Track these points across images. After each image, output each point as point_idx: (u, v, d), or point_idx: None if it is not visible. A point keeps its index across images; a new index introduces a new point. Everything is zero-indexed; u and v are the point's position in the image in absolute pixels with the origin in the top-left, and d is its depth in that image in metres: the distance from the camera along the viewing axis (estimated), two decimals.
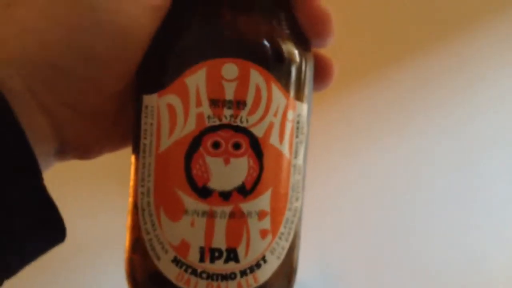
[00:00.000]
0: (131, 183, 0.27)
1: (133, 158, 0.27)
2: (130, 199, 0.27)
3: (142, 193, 0.25)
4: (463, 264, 0.90)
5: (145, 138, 0.25)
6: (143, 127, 0.25)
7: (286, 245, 0.26)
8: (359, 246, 0.91)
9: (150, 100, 0.25)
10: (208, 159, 0.24)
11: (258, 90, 0.24)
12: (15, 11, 0.24)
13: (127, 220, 0.27)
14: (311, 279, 0.92)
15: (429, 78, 0.88)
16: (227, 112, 0.24)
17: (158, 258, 0.25)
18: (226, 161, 0.24)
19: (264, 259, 0.25)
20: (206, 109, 0.24)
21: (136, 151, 0.26)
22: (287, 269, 0.27)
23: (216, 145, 0.24)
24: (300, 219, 0.27)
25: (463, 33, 0.88)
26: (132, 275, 0.26)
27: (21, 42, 0.24)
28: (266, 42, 0.24)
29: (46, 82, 0.25)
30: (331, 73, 0.29)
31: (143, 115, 0.25)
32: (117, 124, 0.29)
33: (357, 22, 0.87)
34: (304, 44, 0.26)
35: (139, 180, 0.26)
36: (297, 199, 0.26)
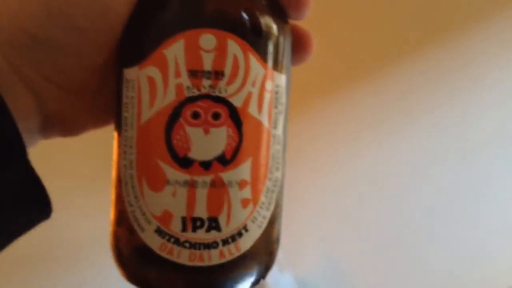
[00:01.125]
0: (114, 157, 0.27)
1: (115, 134, 0.27)
2: (113, 173, 0.27)
3: (125, 166, 0.26)
4: (466, 261, 0.90)
5: (126, 111, 0.26)
6: (124, 100, 0.26)
7: (267, 215, 0.26)
8: (362, 244, 0.91)
9: (130, 73, 0.25)
10: (188, 129, 0.24)
11: (235, 60, 0.24)
12: None
13: (111, 194, 0.27)
14: (314, 276, 0.93)
15: (432, 76, 0.88)
16: (206, 82, 0.24)
17: (142, 229, 0.25)
18: (206, 131, 0.24)
19: (245, 228, 0.26)
20: (185, 80, 0.24)
21: (118, 125, 0.27)
22: (269, 239, 0.27)
23: (195, 115, 0.24)
24: (281, 189, 0.27)
25: (465, 32, 0.88)
26: (117, 248, 0.27)
27: (1, 11, 0.24)
28: (243, 13, 0.25)
29: (26, 55, 0.25)
30: (309, 46, 0.30)
31: (124, 88, 0.26)
32: (100, 99, 0.29)
33: (360, 20, 0.87)
34: (281, 15, 0.27)
35: (122, 153, 0.26)
36: (277, 169, 0.27)
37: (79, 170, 0.77)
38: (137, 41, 0.25)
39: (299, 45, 0.29)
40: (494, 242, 0.90)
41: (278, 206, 0.27)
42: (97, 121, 0.30)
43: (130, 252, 0.26)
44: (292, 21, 0.29)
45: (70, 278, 0.77)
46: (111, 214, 0.27)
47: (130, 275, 0.27)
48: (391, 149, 0.90)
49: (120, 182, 0.26)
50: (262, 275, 0.27)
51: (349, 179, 0.91)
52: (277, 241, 0.28)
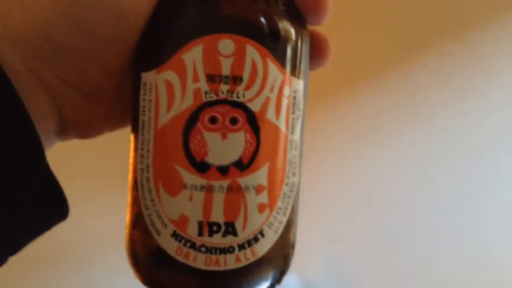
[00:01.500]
0: (131, 160, 0.27)
1: (132, 137, 0.27)
2: (130, 176, 0.27)
3: (141, 169, 0.26)
4: (470, 263, 0.90)
5: (143, 114, 0.26)
6: (141, 104, 0.26)
7: (284, 220, 0.26)
8: (368, 245, 0.91)
9: (148, 77, 0.25)
10: (206, 134, 0.24)
11: (254, 65, 0.24)
12: None
13: (128, 197, 0.27)
14: (320, 278, 0.93)
15: (440, 77, 0.88)
16: (224, 87, 0.24)
17: (158, 233, 0.25)
18: (223, 136, 0.24)
19: (262, 233, 0.26)
20: (203, 85, 0.24)
21: (135, 129, 0.27)
22: (285, 244, 0.27)
23: (213, 120, 0.24)
24: (297, 194, 0.27)
25: (473, 33, 0.87)
26: (133, 251, 0.27)
27: (21, 19, 0.24)
28: (262, 18, 0.25)
29: (46, 59, 0.25)
30: (327, 51, 0.30)
31: (141, 92, 0.26)
32: (117, 102, 0.29)
33: (370, 21, 0.87)
34: (299, 21, 0.27)
35: (138, 156, 0.26)
36: (294, 174, 0.27)
37: (92, 171, 0.77)
38: (156, 45, 0.25)
39: (317, 50, 0.29)
40: (499, 243, 0.89)
41: (294, 211, 0.27)
42: (114, 124, 0.31)
43: (146, 255, 0.26)
44: (309, 26, 0.29)
45: (79, 278, 0.78)
46: (126, 217, 0.27)
47: (145, 279, 0.27)
48: (397, 150, 0.90)
49: (136, 185, 0.26)
50: (277, 280, 0.27)
51: (355, 180, 0.91)
52: (292, 246, 0.28)
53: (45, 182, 0.25)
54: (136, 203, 0.26)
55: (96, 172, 0.76)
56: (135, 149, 0.27)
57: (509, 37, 0.86)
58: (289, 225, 0.27)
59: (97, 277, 0.79)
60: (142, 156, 0.26)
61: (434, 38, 0.88)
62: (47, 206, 0.26)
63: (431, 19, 0.87)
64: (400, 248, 0.91)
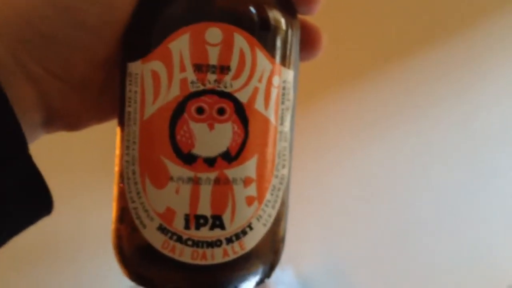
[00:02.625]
0: (117, 152, 0.26)
1: (118, 129, 0.27)
2: (116, 169, 0.26)
3: (127, 162, 0.25)
4: (469, 258, 0.89)
5: (129, 106, 0.25)
6: (127, 95, 0.25)
7: (273, 213, 0.26)
8: (364, 241, 0.90)
9: (134, 67, 0.25)
10: (193, 124, 0.24)
11: (242, 54, 0.24)
12: None
13: (114, 191, 0.27)
14: (315, 273, 0.92)
15: (437, 72, 0.87)
16: (211, 77, 0.24)
17: (144, 226, 0.25)
18: (211, 127, 0.24)
19: (250, 226, 0.25)
20: (190, 74, 0.24)
21: (121, 121, 0.26)
22: (274, 238, 0.26)
23: (200, 110, 0.24)
24: (287, 187, 0.27)
25: (471, 27, 0.87)
26: (119, 246, 0.26)
27: (5, 8, 0.24)
28: (251, 7, 0.24)
29: (31, 49, 0.25)
30: (319, 42, 0.29)
31: (127, 83, 0.25)
32: (104, 94, 0.28)
33: (367, 16, 0.86)
34: (289, 10, 0.26)
35: (124, 148, 0.26)
36: (283, 167, 0.26)
37: (79, 165, 0.77)
38: (142, 34, 0.25)
39: (309, 41, 0.29)
40: (497, 239, 0.89)
41: (284, 204, 0.27)
42: (101, 116, 0.30)
43: (132, 250, 0.26)
44: (301, 17, 0.28)
45: (71, 273, 0.77)
46: (113, 211, 0.27)
47: (131, 273, 0.26)
48: (394, 146, 0.90)
49: (122, 178, 0.26)
50: (267, 275, 0.27)
51: (350, 176, 0.90)
52: (282, 240, 0.27)
53: (28, 175, 0.25)
54: (122, 196, 0.26)
55: (84, 166, 0.75)
56: (121, 141, 0.26)
57: (507, 32, 0.86)
58: (279, 219, 0.26)
59: (88, 272, 0.78)
60: (128, 148, 0.25)
61: (431, 33, 0.87)
62: (30, 199, 0.25)
63: (429, 14, 0.87)
64: (396, 243, 0.90)
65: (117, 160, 0.26)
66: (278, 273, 0.87)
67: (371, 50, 0.87)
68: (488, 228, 0.89)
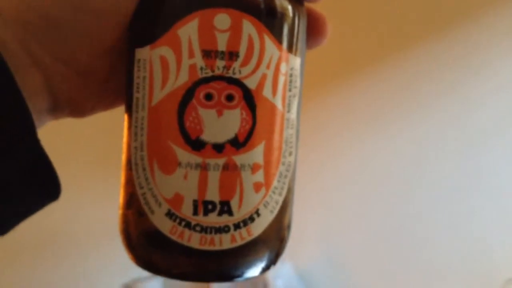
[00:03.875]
0: (124, 139, 0.27)
1: (125, 116, 0.27)
2: (124, 156, 0.27)
3: (135, 148, 0.25)
4: (466, 253, 0.90)
5: (137, 92, 0.25)
6: (135, 81, 0.25)
7: (280, 200, 0.26)
8: (364, 235, 0.91)
9: (142, 53, 0.25)
10: (201, 111, 0.24)
11: (250, 41, 0.24)
12: None
13: (121, 178, 0.27)
14: (314, 267, 0.93)
15: (434, 65, 0.88)
16: (220, 63, 0.24)
17: (152, 212, 0.25)
18: (219, 113, 0.24)
19: (257, 212, 0.25)
20: (198, 60, 0.24)
21: (128, 107, 0.26)
22: (281, 225, 0.27)
23: (208, 96, 0.24)
24: (294, 174, 0.27)
25: (468, 21, 0.87)
26: (126, 232, 0.26)
27: None
28: None
29: (38, 34, 0.25)
30: (324, 29, 0.29)
31: (135, 69, 0.25)
32: (109, 80, 0.28)
33: (363, 7, 0.87)
34: None
35: (132, 135, 0.26)
36: (290, 154, 0.26)
37: (73, 160, 0.76)
38: (150, 20, 0.25)
39: (314, 28, 0.29)
40: (494, 234, 0.89)
41: (290, 192, 0.27)
42: (107, 103, 0.30)
43: (139, 235, 0.26)
44: (307, 4, 0.28)
45: (65, 269, 0.77)
46: (120, 197, 0.27)
47: (139, 259, 0.26)
48: (392, 140, 0.90)
49: (130, 165, 0.26)
50: (272, 261, 0.27)
51: (350, 170, 0.91)
52: (288, 227, 0.27)
53: (36, 159, 0.25)
54: (130, 182, 0.26)
55: (78, 162, 0.75)
56: (129, 127, 0.26)
57: (503, 27, 0.86)
58: (285, 206, 0.27)
59: (82, 268, 0.78)
60: (136, 134, 0.25)
61: (429, 28, 0.88)
62: (38, 183, 0.25)
63: (429, 8, 0.87)
64: (393, 238, 0.91)
65: (124, 147, 0.26)
66: (277, 267, 0.87)
67: (368, 45, 0.87)
68: (486, 223, 0.89)
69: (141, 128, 0.25)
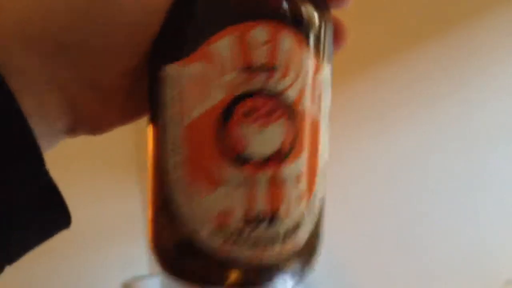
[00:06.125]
0: (152, 153, 0.26)
1: (152, 129, 0.26)
2: (152, 170, 0.26)
3: (174, 167, 0.25)
4: (467, 254, 0.91)
5: (166, 109, 0.24)
6: (167, 97, 0.24)
7: (317, 209, 0.26)
8: (365, 235, 0.92)
9: (172, 69, 0.24)
10: (242, 126, 0.23)
11: (288, 53, 0.23)
12: None
13: (148, 195, 0.27)
14: (317, 270, 0.93)
15: (439, 66, 0.88)
16: (259, 77, 0.23)
17: (196, 232, 0.25)
18: (261, 127, 0.24)
19: (302, 222, 0.25)
20: (237, 76, 0.23)
21: (156, 121, 0.25)
22: (319, 232, 0.27)
23: (249, 112, 0.23)
24: (325, 177, 0.27)
25: (471, 22, 0.88)
26: (159, 243, 0.26)
27: (35, 20, 0.22)
28: (290, 5, 0.24)
29: (58, 56, 0.24)
30: (344, 36, 0.29)
31: (166, 86, 0.24)
32: (130, 98, 0.28)
33: (367, 8, 0.86)
34: (325, 6, 0.26)
35: (167, 151, 0.25)
36: (325, 162, 0.27)
37: (82, 156, 0.74)
38: (180, 36, 0.24)
39: (335, 35, 0.29)
40: (495, 234, 0.91)
41: (324, 198, 0.27)
42: (125, 119, 0.29)
43: (174, 246, 0.26)
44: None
45: (66, 268, 0.76)
46: (149, 208, 0.27)
47: (175, 270, 0.26)
48: (394, 141, 0.91)
49: (167, 181, 0.25)
50: (310, 269, 0.27)
51: (349, 169, 0.91)
52: (322, 235, 0.28)
53: (44, 191, 0.24)
54: (166, 199, 0.25)
55: (88, 158, 0.73)
56: (157, 143, 0.25)
57: (506, 28, 0.87)
58: (322, 212, 0.27)
59: (89, 263, 0.77)
60: (173, 150, 0.25)
61: (433, 28, 0.88)
62: (46, 215, 0.25)
63: (431, 9, 0.87)
64: (395, 238, 0.92)
65: (151, 161, 0.26)
66: None
67: (372, 45, 0.87)
68: (486, 224, 0.91)
69: (176, 147, 0.24)
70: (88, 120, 0.27)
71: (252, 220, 0.24)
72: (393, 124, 0.91)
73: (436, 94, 0.89)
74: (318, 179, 0.26)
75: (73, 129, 0.27)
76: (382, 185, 0.92)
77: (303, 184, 0.25)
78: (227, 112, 0.23)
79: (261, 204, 0.24)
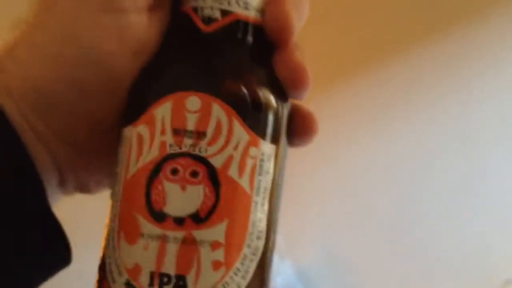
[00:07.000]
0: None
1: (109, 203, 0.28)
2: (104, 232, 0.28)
3: (111, 219, 0.27)
4: (466, 253, 0.89)
5: (117, 166, 0.27)
6: (119, 157, 0.27)
7: (243, 283, 0.26)
8: (364, 234, 0.91)
9: (126, 131, 0.27)
10: (166, 184, 0.25)
11: (218, 123, 0.25)
12: (18, 51, 0.28)
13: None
14: (314, 265, 0.92)
15: (438, 65, 0.89)
16: (188, 141, 0.25)
17: (114, 281, 0.26)
18: (183, 188, 0.25)
19: None
20: (169, 138, 0.25)
21: (112, 183, 0.28)
22: None
23: (174, 171, 0.25)
24: (265, 260, 0.27)
25: (471, 23, 0.89)
26: None
27: (17, 73, 0.27)
28: (231, 81, 0.26)
29: (41, 112, 0.28)
30: (313, 128, 0.30)
31: (122, 146, 0.27)
32: (110, 160, 0.30)
33: (365, 8, 0.88)
34: (275, 90, 0.28)
35: (110, 208, 0.27)
36: (258, 238, 0.26)
37: None
38: (134, 102, 0.27)
39: (302, 126, 0.30)
40: (494, 233, 0.88)
41: (258, 275, 0.26)
42: (110, 182, 0.32)
43: None
44: (295, 102, 0.30)
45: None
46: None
47: None
48: (391, 139, 0.90)
49: (105, 238, 0.27)
50: None
51: (349, 169, 0.91)
52: None
53: (49, 229, 0.27)
54: (102, 253, 0.27)
55: None
56: (110, 202, 0.28)
57: (508, 28, 0.85)
58: None
59: (88, 263, 0.77)
60: (112, 206, 0.27)
61: (431, 28, 0.89)
62: (50, 253, 0.28)
63: (431, 9, 0.88)
64: (393, 236, 0.90)
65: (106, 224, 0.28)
66: (277, 265, 0.84)
67: (371, 45, 0.89)
68: (486, 223, 0.88)
69: (116, 201, 0.27)
70: (72, 177, 0.30)
71: (158, 280, 0.25)
72: (393, 124, 0.90)
73: (436, 94, 0.88)
74: (245, 255, 0.26)
75: (62, 186, 0.31)
76: (382, 185, 0.90)
77: (219, 254, 0.25)
78: (156, 169, 0.25)
79: (169, 264, 0.25)
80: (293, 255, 0.89)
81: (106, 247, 0.27)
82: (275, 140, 0.27)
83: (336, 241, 0.94)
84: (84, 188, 0.32)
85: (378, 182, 0.92)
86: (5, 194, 0.26)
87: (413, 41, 0.92)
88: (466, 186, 0.90)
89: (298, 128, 0.30)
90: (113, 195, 0.27)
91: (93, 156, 0.30)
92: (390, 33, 0.92)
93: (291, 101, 0.29)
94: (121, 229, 0.26)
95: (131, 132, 0.27)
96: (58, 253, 0.28)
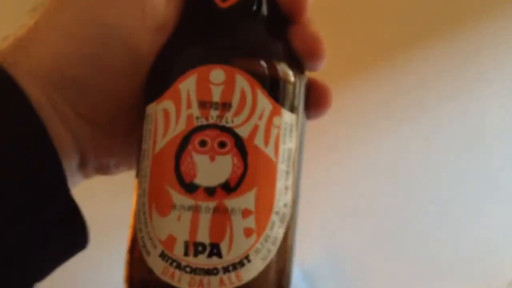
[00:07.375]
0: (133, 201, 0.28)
1: (135, 171, 0.29)
2: (132, 209, 0.28)
3: (139, 195, 0.27)
4: (470, 253, 0.89)
5: (144, 143, 0.28)
6: (144, 134, 0.28)
7: (273, 249, 0.26)
8: (368, 235, 0.91)
9: (150, 108, 0.28)
10: (195, 156, 0.26)
11: (243, 93, 0.26)
12: (41, 33, 0.28)
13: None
14: (320, 268, 0.93)
15: (441, 66, 0.89)
16: (214, 113, 0.26)
17: (148, 254, 0.26)
18: (212, 158, 0.26)
19: (248, 258, 0.26)
20: (195, 111, 0.26)
21: (137, 160, 0.28)
22: (275, 273, 0.27)
23: (202, 143, 0.26)
24: (291, 227, 0.28)
25: (474, 23, 0.89)
26: (129, 276, 0.28)
27: (39, 53, 0.27)
28: (249, 51, 0.27)
29: (64, 92, 0.28)
30: (327, 100, 0.31)
31: (146, 123, 0.28)
32: (130, 140, 0.31)
33: (366, 9, 0.89)
34: (292, 59, 0.28)
35: (138, 184, 0.28)
36: (285, 206, 0.27)
37: None
38: (157, 79, 0.28)
39: (317, 99, 0.31)
40: (498, 234, 0.88)
41: (286, 242, 0.27)
42: (131, 161, 0.32)
43: (138, 277, 0.27)
44: (311, 75, 0.31)
45: (71, 261, 0.76)
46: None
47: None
48: (395, 141, 0.91)
49: (134, 212, 0.28)
50: None
51: (354, 172, 0.91)
52: (286, 276, 0.28)
53: (67, 211, 0.27)
54: (133, 229, 0.27)
55: None
56: (137, 178, 0.28)
57: (506, 31, 0.86)
58: (281, 255, 0.27)
59: (89, 261, 0.77)
60: (140, 182, 0.27)
61: (435, 28, 0.89)
62: (68, 235, 0.28)
63: (436, 10, 0.89)
64: (397, 239, 0.90)
65: (133, 203, 0.28)
66: None
67: (376, 45, 0.90)
68: (490, 223, 0.88)
69: (145, 176, 0.27)
70: (93, 158, 0.31)
71: (192, 248, 0.25)
72: (395, 124, 0.90)
73: (440, 94, 0.88)
74: (273, 222, 0.26)
75: (82, 167, 0.31)
76: (383, 184, 0.91)
77: (250, 221, 0.26)
78: (185, 142, 0.26)
79: (203, 233, 0.25)
80: (298, 256, 0.89)
81: (136, 223, 0.27)
82: (295, 109, 0.28)
83: (341, 242, 0.94)
84: (104, 169, 0.32)
85: (382, 183, 0.92)
86: (21, 170, 0.26)
87: (418, 41, 0.92)
88: (470, 185, 0.90)
89: (314, 100, 0.30)
90: (140, 172, 0.28)
91: (115, 136, 0.31)
92: (393, 33, 0.92)
93: (306, 74, 0.30)
94: (152, 202, 0.26)
95: (156, 109, 0.27)
96: (76, 234, 0.28)
